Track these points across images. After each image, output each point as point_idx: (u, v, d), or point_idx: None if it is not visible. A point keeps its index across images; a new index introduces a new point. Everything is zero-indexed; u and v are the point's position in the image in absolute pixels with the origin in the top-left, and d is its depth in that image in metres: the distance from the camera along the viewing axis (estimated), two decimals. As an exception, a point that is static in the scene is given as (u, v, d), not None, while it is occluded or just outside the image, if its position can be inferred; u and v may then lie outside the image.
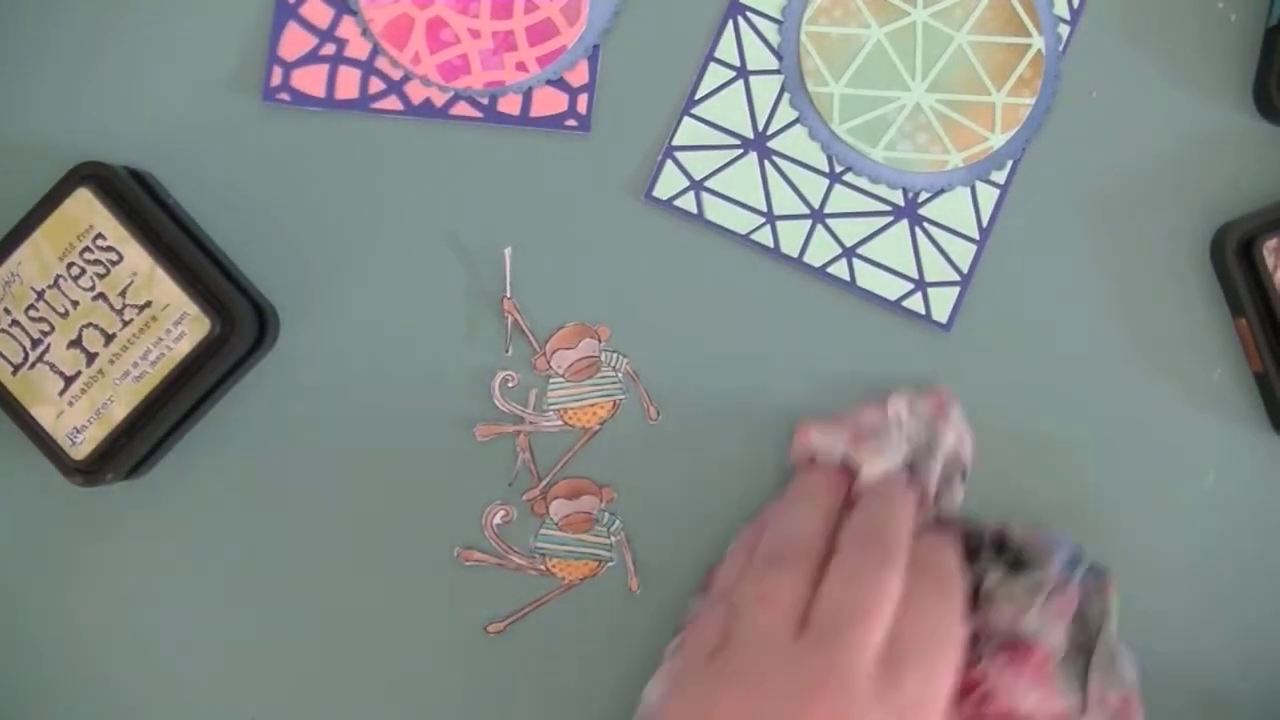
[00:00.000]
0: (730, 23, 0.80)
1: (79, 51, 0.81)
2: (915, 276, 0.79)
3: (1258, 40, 0.78)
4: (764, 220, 0.79)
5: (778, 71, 0.79)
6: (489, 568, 0.78)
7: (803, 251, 0.79)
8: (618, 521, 0.78)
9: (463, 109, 0.80)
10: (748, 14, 0.80)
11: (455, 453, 0.79)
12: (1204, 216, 0.78)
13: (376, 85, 0.81)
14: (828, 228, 0.79)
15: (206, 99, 0.81)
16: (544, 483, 0.79)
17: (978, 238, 0.79)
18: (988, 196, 0.79)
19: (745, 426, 0.78)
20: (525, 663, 0.78)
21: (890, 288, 0.79)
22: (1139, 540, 0.78)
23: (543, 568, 0.78)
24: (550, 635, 0.78)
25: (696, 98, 0.80)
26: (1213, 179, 0.78)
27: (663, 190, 0.79)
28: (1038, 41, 0.78)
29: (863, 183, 0.79)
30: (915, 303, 0.79)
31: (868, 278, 0.79)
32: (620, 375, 0.79)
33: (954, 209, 0.79)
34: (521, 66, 0.80)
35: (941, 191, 0.79)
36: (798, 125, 0.79)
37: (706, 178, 0.79)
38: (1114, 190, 0.79)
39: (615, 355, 0.79)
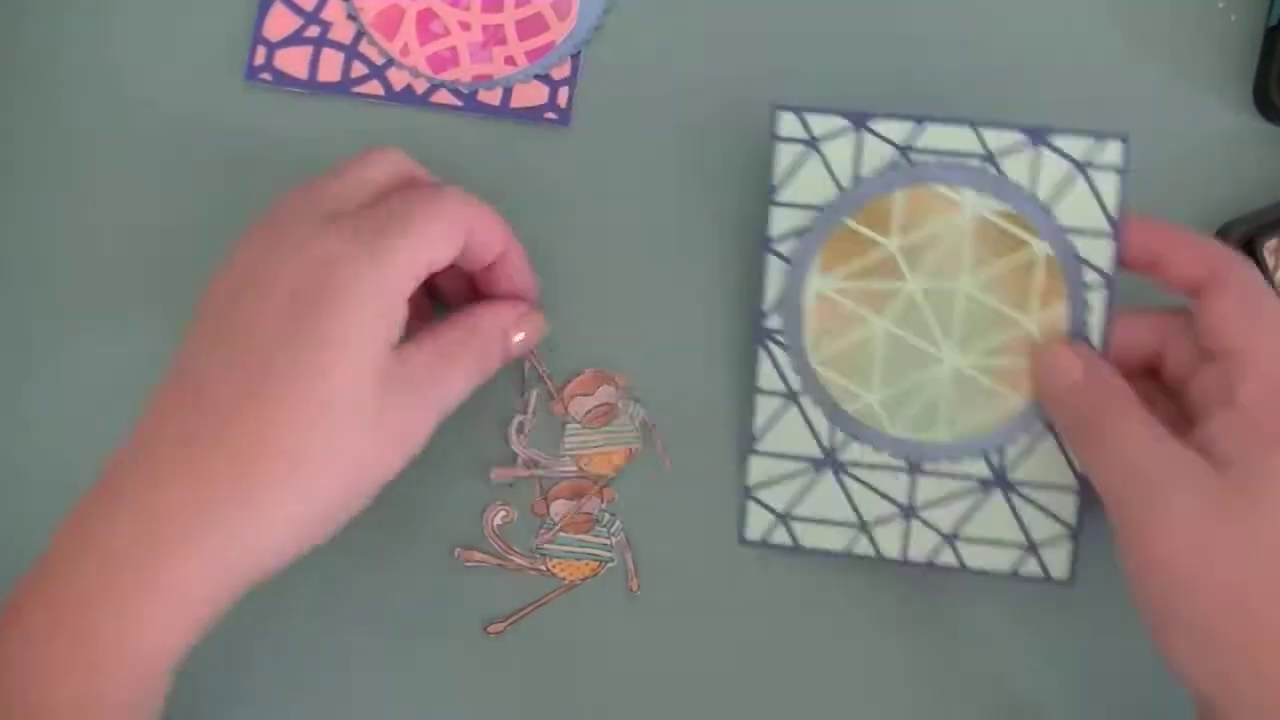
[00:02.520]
0: (761, 349, 0.76)
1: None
2: (1024, 543, 0.75)
3: (1258, 40, 0.79)
4: (858, 530, 0.76)
5: (813, 398, 0.76)
6: (489, 568, 0.77)
7: (905, 551, 0.76)
8: (618, 522, 0.78)
9: (443, 97, 0.80)
10: (773, 337, 0.76)
11: (457, 457, 0.78)
12: (1204, 216, 0.78)
13: (359, 69, 0.80)
14: (922, 520, 0.75)
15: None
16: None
17: (1076, 485, 0.74)
18: None
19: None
20: (525, 663, 0.77)
21: (1001, 559, 0.75)
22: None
23: (543, 568, 0.78)
24: (550, 635, 0.77)
25: (755, 433, 0.76)
26: (1213, 179, 0.79)
27: (754, 532, 0.77)
28: (1040, 247, 0.73)
29: (943, 466, 0.75)
30: (1031, 567, 0.75)
31: (975, 557, 0.75)
32: (636, 424, 0.78)
33: (1043, 464, 0.75)
34: (510, 60, 0.79)
35: (1028, 448, 0.74)
36: (855, 443, 0.75)
37: (791, 507, 0.76)
38: (1114, 190, 0.79)
39: (632, 403, 0.78)
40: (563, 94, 0.80)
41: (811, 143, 0.74)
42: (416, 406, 0.66)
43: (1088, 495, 0.73)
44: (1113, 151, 0.72)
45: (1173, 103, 0.79)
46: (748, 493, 0.77)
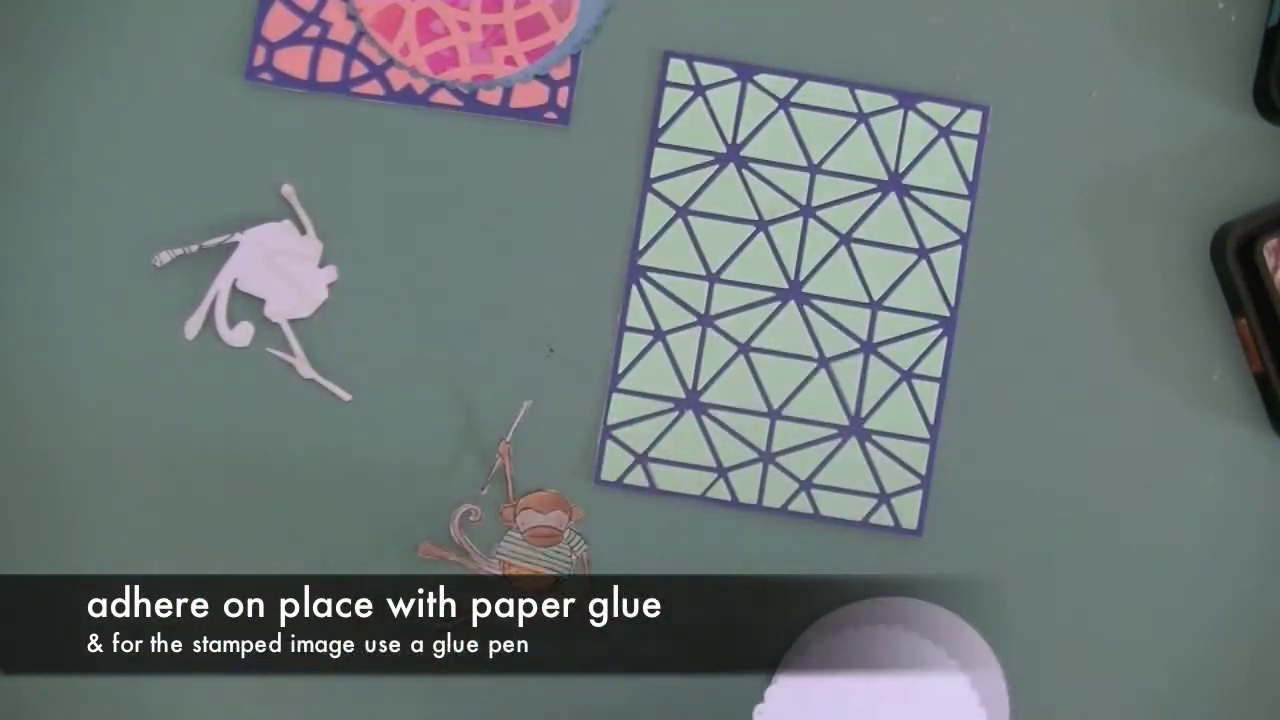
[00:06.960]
0: (634, 287, 0.78)
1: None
2: (876, 491, 0.78)
3: (1258, 40, 0.79)
4: (716, 475, 0.78)
5: (696, 324, 0.78)
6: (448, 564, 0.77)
7: (760, 496, 0.78)
8: (583, 542, 0.77)
9: (443, 97, 0.80)
10: (649, 274, 0.78)
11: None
12: (1204, 216, 0.78)
13: (359, 69, 0.80)
14: (780, 466, 0.78)
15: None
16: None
17: (928, 436, 0.78)
18: (928, 393, 0.78)
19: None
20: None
21: (854, 509, 0.78)
22: (1139, 540, 0.78)
23: (499, 571, 0.77)
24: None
25: (620, 372, 0.78)
26: (1213, 179, 0.79)
27: (609, 472, 0.78)
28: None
29: (805, 412, 0.78)
30: (882, 516, 0.78)
31: (830, 505, 0.78)
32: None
33: (898, 415, 0.78)
34: (510, 60, 0.79)
35: (883, 399, 0.78)
36: (720, 384, 0.78)
37: (650, 449, 0.78)
38: (1115, 190, 0.79)
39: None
40: (563, 94, 0.79)
41: (698, 89, 0.78)
42: None
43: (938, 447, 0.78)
44: (972, 120, 0.78)
45: (1173, 103, 0.79)
46: (607, 432, 0.78)
